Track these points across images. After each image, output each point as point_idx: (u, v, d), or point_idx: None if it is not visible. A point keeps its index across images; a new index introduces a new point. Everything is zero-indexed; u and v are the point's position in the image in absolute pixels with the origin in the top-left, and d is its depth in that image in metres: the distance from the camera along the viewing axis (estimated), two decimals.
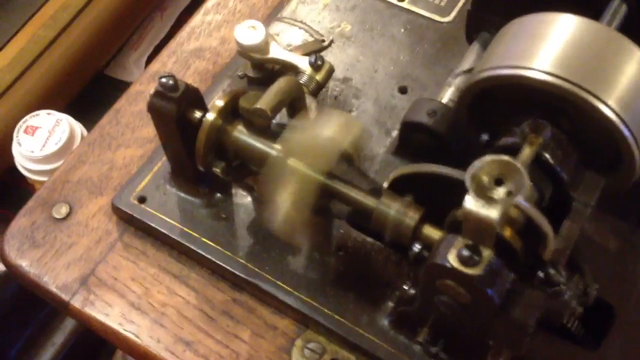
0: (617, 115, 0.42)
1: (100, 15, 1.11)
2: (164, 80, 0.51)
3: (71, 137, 0.90)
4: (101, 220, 0.61)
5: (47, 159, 0.89)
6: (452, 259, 0.40)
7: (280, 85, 0.51)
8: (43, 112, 0.92)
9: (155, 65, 0.70)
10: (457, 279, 0.41)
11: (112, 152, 0.65)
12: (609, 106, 0.43)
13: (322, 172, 0.49)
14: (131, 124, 0.66)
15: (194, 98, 0.53)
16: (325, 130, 0.49)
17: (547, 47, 0.45)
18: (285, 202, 0.48)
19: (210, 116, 0.50)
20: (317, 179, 0.49)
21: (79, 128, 0.93)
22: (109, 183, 0.63)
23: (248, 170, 0.53)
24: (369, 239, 0.56)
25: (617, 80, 0.43)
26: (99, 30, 1.11)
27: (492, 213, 0.38)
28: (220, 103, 0.51)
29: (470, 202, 0.38)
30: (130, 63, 1.18)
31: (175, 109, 0.51)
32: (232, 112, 0.52)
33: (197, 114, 0.52)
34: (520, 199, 0.38)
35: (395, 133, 0.61)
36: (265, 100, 0.50)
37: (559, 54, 0.44)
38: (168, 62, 0.70)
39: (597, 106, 0.43)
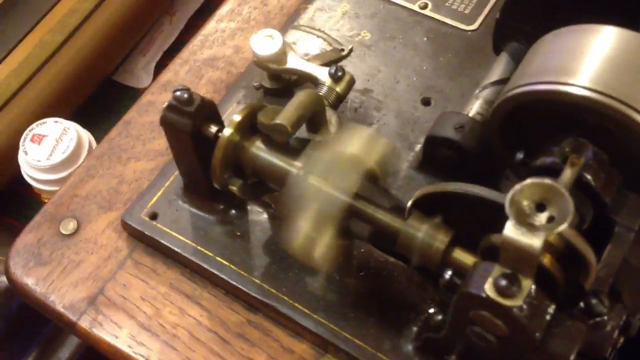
0: None
1: (108, 20, 1.08)
2: (178, 93, 0.48)
3: (79, 146, 0.87)
4: (110, 237, 0.58)
5: (54, 169, 0.86)
6: (489, 289, 0.37)
7: (300, 99, 0.48)
8: (50, 120, 0.90)
9: (167, 75, 0.68)
10: (494, 310, 0.38)
11: (122, 166, 0.62)
12: None
13: (347, 192, 0.46)
14: (142, 136, 0.64)
15: (210, 112, 0.50)
16: (350, 146, 0.47)
17: (587, 62, 0.42)
18: (306, 223, 0.45)
19: (227, 132, 0.48)
20: (342, 199, 0.46)
21: (86, 136, 0.91)
22: (119, 198, 0.60)
23: (266, 188, 0.51)
24: (392, 259, 0.53)
25: None
26: (107, 35, 1.09)
27: (535, 242, 0.35)
28: (237, 118, 0.48)
29: (511, 230, 0.36)
30: (139, 69, 1.15)
31: (190, 123, 0.49)
32: (250, 127, 0.49)
33: (213, 129, 0.50)
34: (564, 227, 0.35)
35: (418, 147, 0.58)
36: (285, 115, 0.47)
37: (600, 69, 0.42)
38: (180, 71, 0.67)
39: None
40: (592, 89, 0.40)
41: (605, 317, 0.39)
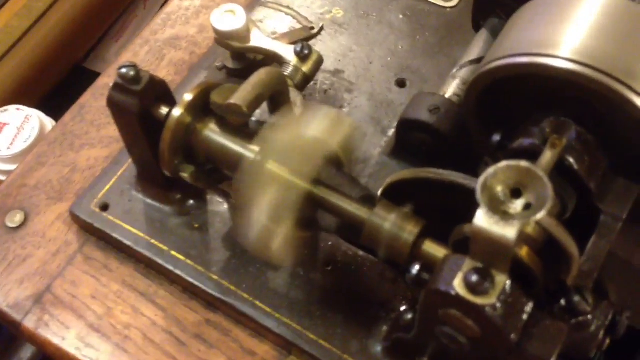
0: None
1: (77, 4, 1.03)
2: (123, 70, 0.44)
3: (41, 135, 0.83)
4: (60, 230, 0.54)
5: (15, 158, 0.82)
6: (458, 285, 0.33)
7: (259, 77, 0.44)
8: (12, 108, 0.85)
9: (126, 56, 0.63)
10: (464, 309, 0.34)
11: (75, 153, 0.58)
12: None
13: (307, 178, 0.42)
14: (97, 121, 0.59)
15: (161, 91, 0.46)
16: (311, 128, 0.42)
17: (570, 31, 0.38)
18: (262, 214, 0.41)
19: (177, 112, 0.43)
20: (301, 186, 0.42)
21: (50, 125, 0.86)
22: (70, 187, 0.56)
23: (222, 175, 0.46)
24: (361, 252, 0.49)
25: None
26: (76, 20, 1.04)
27: (509, 232, 0.31)
28: (188, 97, 0.44)
29: (482, 218, 0.32)
30: (111, 55, 1.10)
31: (137, 103, 0.44)
32: (203, 108, 0.45)
33: (164, 110, 0.45)
34: (542, 215, 0.31)
35: (392, 132, 0.54)
36: (241, 95, 0.43)
37: (585, 38, 0.37)
38: (140, 52, 0.63)
39: (632, 99, 0.36)
40: (576, 61, 0.36)
41: (590, 316, 0.35)
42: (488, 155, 0.42)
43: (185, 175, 0.45)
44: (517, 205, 0.32)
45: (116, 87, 0.45)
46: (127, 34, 1.12)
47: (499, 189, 0.32)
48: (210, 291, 0.49)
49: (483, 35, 0.52)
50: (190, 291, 0.50)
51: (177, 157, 0.44)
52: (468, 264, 0.34)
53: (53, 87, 1.04)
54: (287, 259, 0.43)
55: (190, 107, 0.44)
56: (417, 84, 0.57)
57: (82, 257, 0.53)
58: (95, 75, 1.11)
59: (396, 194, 0.43)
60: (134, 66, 0.44)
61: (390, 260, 0.41)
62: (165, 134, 0.43)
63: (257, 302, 0.48)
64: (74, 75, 1.08)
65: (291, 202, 0.42)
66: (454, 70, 0.51)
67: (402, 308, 0.47)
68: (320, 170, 0.42)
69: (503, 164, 0.32)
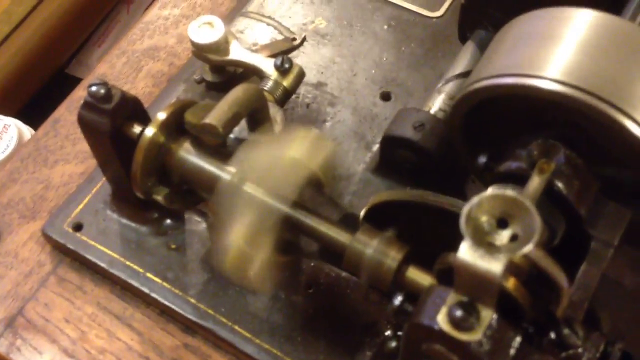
0: None
1: (58, 8, 1.01)
2: (94, 89, 0.42)
3: (20, 145, 0.80)
4: (33, 250, 0.52)
5: None
6: (442, 320, 0.32)
7: (235, 94, 0.42)
8: None
9: (103, 67, 0.61)
10: (449, 344, 0.32)
11: (49, 169, 0.56)
12: (637, 122, 0.34)
13: (286, 201, 0.40)
14: (72, 135, 0.57)
15: (134, 109, 0.44)
16: (290, 149, 0.40)
17: (559, 50, 0.36)
18: (238, 238, 0.39)
19: (150, 132, 0.42)
20: (280, 209, 0.40)
21: (29, 134, 0.84)
22: (44, 205, 0.54)
23: (198, 197, 0.45)
24: (344, 274, 0.47)
25: None
26: (59, 25, 1.02)
27: (494, 266, 0.29)
28: (162, 116, 0.42)
29: (466, 251, 0.30)
30: (94, 61, 1.08)
31: (108, 123, 0.43)
32: (177, 127, 0.43)
33: (137, 129, 0.43)
34: (529, 248, 0.29)
35: (376, 147, 0.52)
36: (216, 114, 0.41)
37: (574, 59, 0.36)
38: (117, 63, 0.61)
39: (622, 122, 0.34)
40: (564, 82, 0.35)
41: (580, 349, 0.34)
42: (475, 175, 0.40)
43: (158, 197, 0.43)
44: (503, 236, 0.31)
45: (86, 105, 0.43)
46: (109, 40, 1.10)
47: (484, 219, 0.31)
48: (187, 315, 0.47)
49: (470, 47, 0.50)
50: (168, 314, 0.49)
51: (150, 178, 0.43)
52: (452, 297, 0.32)
53: (34, 94, 1.02)
54: (266, 285, 0.41)
55: (164, 127, 0.42)
56: (402, 98, 0.55)
57: (55, 279, 0.51)
58: (78, 81, 1.09)
59: (379, 216, 0.41)
60: (104, 83, 0.42)
61: (373, 286, 0.39)
62: (137, 154, 0.41)
63: (236, 327, 0.46)
64: (56, 82, 1.06)
65: (269, 225, 0.40)
66: (440, 85, 0.50)
67: (387, 332, 0.45)
68: (300, 193, 0.40)
69: (488, 193, 0.31)
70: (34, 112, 0.98)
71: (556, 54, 0.36)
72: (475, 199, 0.31)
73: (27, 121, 0.89)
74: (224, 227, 0.40)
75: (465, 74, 0.49)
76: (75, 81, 1.09)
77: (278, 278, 0.41)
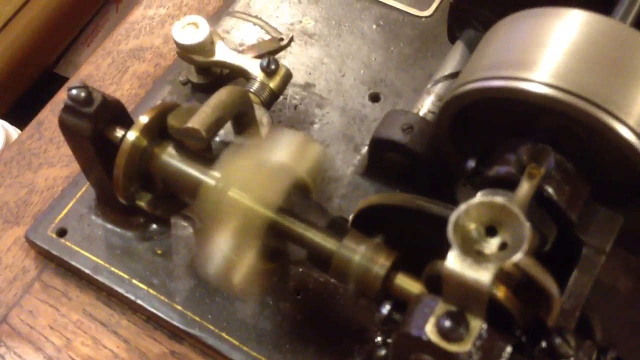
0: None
1: (47, 7, 1.00)
2: (74, 92, 0.41)
3: (6, 147, 0.79)
4: (17, 256, 0.51)
5: None
6: (430, 331, 0.31)
7: (219, 98, 0.41)
8: None
9: (88, 68, 0.60)
10: (438, 355, 0.31)
11: (33, 173, 0.55)
12: (629, 126, 0.33)
13: (272, 206, 0.39)
14: (56, 139, 0.56)
15: (116, 112, 0.43)
16: (275, 154, 0.40)
17: (548, 52, 0.35)
18: (223, 244, 0.38)
19: (132, 136, 0.41)
20: (265, 215, 0.39)
21: (16, 134, 0.83)
22: (28, 210, 0.53)
23: (182, 202, 0.44)
24: (333, 279, 0.46)
25: (639, 94, 0.34)
26: (47, 24, 1.01)
27: (483, 276, 0.28)
28: (144, 119, 0.41)
29: (454, 260, 0.29)
30: (83, 60, 1.07)
31: (89, 127, 0.42)
32: (160, 130, 0.42)
33: (119, 133, 0.42)
34: (519, 256, 0.28)
35: (365, 149, 0.52)
36: (199, 118, 0.40)
37: (563, 61, 0.35)
38: (102, 64, 0.60)
39: (614, 127, 0.33)
40: (554, 86, 0.34)
41: (572, 359, 0.33)
42: (464, 179, 0.40)
43: (141, 203, 0.42)
44: (492, 244, 0.30)
45: (67, 109, 0.42)
46: (98, 39, 1.09)
47: (472, 227, 0.30)
48: (174, 322, 0.46)
49: (459, 47, 0.49)
50: (154, 321, 0.48)
51: (133, 184, 0.42)
52: (441, 307, 0.31)
53: (21, 95, 1.01)
54: (252, 291, 0.40)
55: (147, 130, 0.41)
56: (391, 98, 0.54)
57: (40, 285, 0.50)
58: (66, 81, 1.07)
59: (368, 221, 0.41)
60: (84, 87, 0.41)
61: (361, 294, 0.39)
62: (119, 159, 0.40)
63: (224, 334, 0.45)
64: (44, 82, 1.05)
65: (254, 232, 0.39)
66: (429, 86, 0.49)
67: (377, 339, 0.44)
68: (286, 198, 0.39)
69: (476, 200, 0.30)
70: (21, 113, 0.97)
71: (545, 55, 0.35)
72: (462, 207, 0.30)
73: (15, 122, 0.88)
74: (208, 234, 0.39)
75: (454, 75, 0.48)
76: (63, 81, 1.08)
77: (265, 284, 0.40)
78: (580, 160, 0.35)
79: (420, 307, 0.32)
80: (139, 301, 0.47)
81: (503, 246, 0.30)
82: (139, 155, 0.41)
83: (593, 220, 0.36)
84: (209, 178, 0.41)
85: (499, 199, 0.30)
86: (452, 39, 0.51)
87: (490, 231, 0.30)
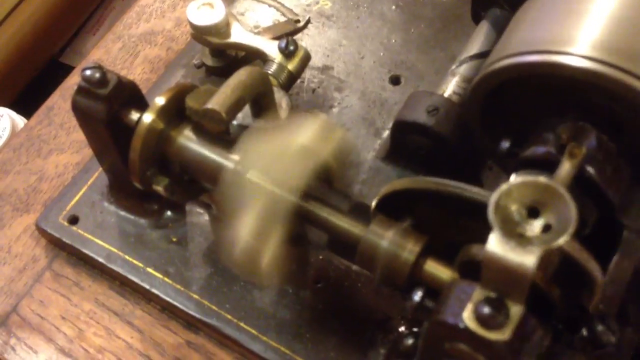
0: None
1: None
2: (88, 72, 0.39)
3: (13, 135, 0.78)
4: (27, 244, 0.50)
5: None
6: (468, 318, 0.29)
7: (239, 78, 0.40)
8: None
9: (98, 53, 0.59)
10: (475, 343, 0.30)
11: (43, 159, 0.53)
12: None
13: (295, 190, 0.38)
14: (66, 124, 0.55)
15: (131, 94, 0.41)
16: (298, 136, 0.38)
17: (587, 23, 0.34)
18: (245, 230, 0.36)
19: (148, 118, 0.39)
20: (289, 199, 0.38)
21: (22, 124, 0.81)
22: (38, 197, 0.52)
23: (201, 187, 0.42)
24: (355, 267, 0.45)
25: None
26: (52, 12, 0.99)
27: (528, 260, 0.27)
28: (161, 101, 0.39)
29: (496, 243, 0.27)
30: (88, 49, 1.06)
31: (104, 109, 0.40)
32: (177, 112, 0.40)
33: (135, 116, 0.41)
34: (565, 239, 0.27)
35: (386, 133, 0.50)
36: (219, 99, 0.38)
37: (604, 33, 0.33)
38: (113, 49, 0.59)
39: None
40: (594, 59, 0.32)
41: (614, 347, 0.31)
42: (495, 162, 0.38)
43: (158, 188, 0.40)
44: (535, 226, 0.28)
45: (80, 90, 0.40)
46: (104, 27, 1.07)
47: (514, 208, 0.28)
48: (190, 312, 0.45)
49: (484, 27, 0.47)
50: (169, 311, 0.46)
51: (149, 167, 0.40)
52: (479, 293, 0.30)
53: (27, 84, 0.99)
54: (274, 278, 0.39)
55: (163, 112, 0.40)
56: (412, 81, 0.52)
57: (51, 274, 0.49)
58: (72, 70, 1.06)
59: (392, 206, 0.39)
60: (99, 67, 0.39)
61: (389, 282, 0.37)
62: (135, 142, 0.39)
63: (242, 324, 0.44)
64: (50, 71, 1.03)
65: (278, 217, 0.37)
66: (453, 67, 0.47)
67: (401, 329, 0.43)
68: (310, 183, 0.38)
69: (518, 180, 0.28)
70: (27, 102, 0.95)
71: (584, 27, 0.33)
72: (504, 187, 0.28)
73: (21, 111, 0.87)
74: (229, 219, 0.37)
75: (480, 55, 0.46)
76: (69, 70, 1.06)
77: (286, 271, 0.38)
78: (621, 140, 0.33)
79: (456, 293, 0.31)
80: (154, 290, 0.45)
81: (547, 228, 0.28)
82: (155, 138, 0.40)
83: (634, 202, 0.34)
84: (229, 162, 0.39)
85: (542, 178, 0.28)
86: (476, 19, 0.49)
87: (533, 213, 0.29)
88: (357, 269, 0.45)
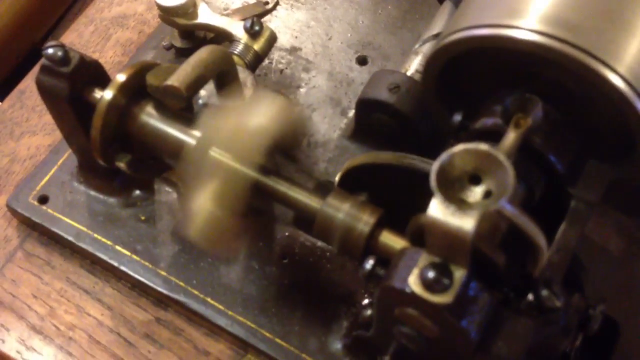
0: (631, 86, 0.32)
1: None
2: (50, 51, 0.40)
3: None
4: None
5: None
6: (414, 283, 0.30)
7: (199, 56, 0.40)
8: None
9: (70, 36, 0.59)
10: (421, 307, 0.30)
11: (15, 142, 0.54)
12: (620, 74, 0.32)
13: (252, 164, 0.38)
14: (38, 107, 0.55)
15: (94, 73, 0.42)
16: (256, 114, 0.39)
17: None
18: (205, 203, 0.37)
19: (109, 95, 0.40)
20: (248, 174, 0.38)
21: None
22: (10, 179, 0.52)
23: (164, 164, 0.43)
24: (320, 243, 0.46)
25: (630, 41, 0.33)
26: (33, 1, 0.99)
27: (467, 223, 0.28)
28: (121, 78, 0.40)
29: (437, 208, 0.28)
30: None
31: (66, 87, 0.40)
32: (139, 90, 0.41)
33: (98, 94, 0.41)
34: (503, 203, 0.28)
35: (352, 113, 0.51)
36: (179, 76, 0.39)
37: (552, 6, 0.34)
38: (84, 32, 0.59)
39: (604, 75, 0.32)
40: (542, 32, 0.33)
41: (559, 311, 0.32)
42: (451, 136, 0.39)
43: (121, 164, 0.41)
44: (476, 192, 0.29)
45: (44, 69, 0.41)
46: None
47: (456, 174, 0.29)
48: (158, 288, 0.46)
49: (447, 7, 0.48)
50: (139, 288, 0.47)
51: (111, 144, 0.41)
52: (424, 258, 0.30)
53: (8, 72, 0.99)
54: (237, 250, 0.40)
55: (124, 89, 0.40)
56: (379, 62, 0.53)
57: (22, 254, 0.49)
58: None
59: (354, 182, 0.40)
60: (61, 46, 0.40)
61: (346, 253, 0.38)
62: (96, 119, 0.39)
63: (209, 299, 0.45)
64: (31, 60, 1.03)
65: (238, 191, 0.38)
66: (417, 46, 0.48)
67: (364, 302, 0.43)
68: (269, 159, 0.39)
69: (459, 147, 0.29)
70: (7, 91, 0.95)
71: (533, 1, 0.34)
72: (445, 155, 0.29)
73: (2, 98, 0.87)
74: (190, 194, 0.38)
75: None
76: None
77: (247, 243, 0.39)
78: (569, 111, 0.34)
79: (404, 260, 0.31)
80: (122, 267, 0.46)
81: (487, 194, 0.29)
82: (117, 114, 0.40)
83: (582, 173, 0.35)
84: (190, 138, 0.40)
85: (483, 145, 0.29)
86: (441, 0, 0.50)
87: (475, 180, 0.29)
88: (322, 245, 0.46)
